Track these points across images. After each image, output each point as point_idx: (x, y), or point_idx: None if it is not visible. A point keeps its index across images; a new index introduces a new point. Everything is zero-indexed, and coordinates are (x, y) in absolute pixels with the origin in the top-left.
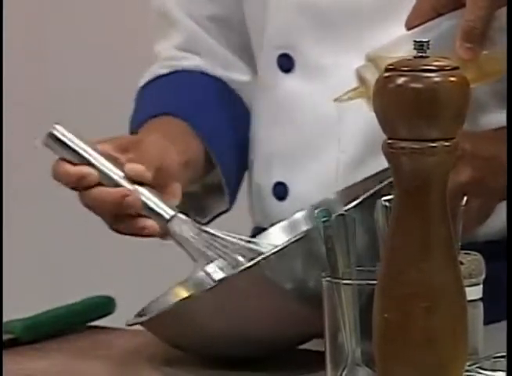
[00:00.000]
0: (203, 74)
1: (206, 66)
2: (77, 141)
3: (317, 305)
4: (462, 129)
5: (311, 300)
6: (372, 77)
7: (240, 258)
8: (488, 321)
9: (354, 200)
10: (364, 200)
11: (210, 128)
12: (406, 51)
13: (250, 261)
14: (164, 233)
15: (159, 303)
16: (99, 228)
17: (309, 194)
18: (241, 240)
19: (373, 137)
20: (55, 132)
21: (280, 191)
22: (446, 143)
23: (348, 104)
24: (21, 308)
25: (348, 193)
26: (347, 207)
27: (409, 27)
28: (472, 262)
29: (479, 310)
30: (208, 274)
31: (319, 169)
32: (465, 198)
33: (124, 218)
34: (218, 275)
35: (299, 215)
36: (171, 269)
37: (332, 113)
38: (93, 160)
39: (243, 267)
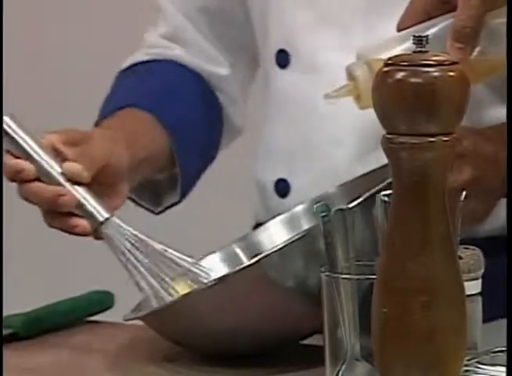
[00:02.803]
0: (182, 66)
1: (187, 57)
2: (21, 134)
3: (318, 302)
4: (461, 125)
5: (312, 297)
6: (362, 74)
7: (163, 275)
8: (488, 318)
9: (354, 195)
10: (367, 198)
11: (175, 123)
12: (397, 51)
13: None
14: (97, 235)
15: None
16: None
17: (311, 191)
18: (178, 257)
19: (373, 132)
20: (3, 124)
21: (282, 188)
22: (445, 138)
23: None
24: (21, 302)
25: (348, 188)
26: (350, 205)
27: (400, 29)
28: (471, 257)
29: (478, 305)
30: (204, 270)
31: (320, 166)
32: (463, 193)
33: (57, 215)
34: (216, 272)
35: (298, 209)
36: None
37: (329, 110)
38: (34, 155)
39: (244, 265)
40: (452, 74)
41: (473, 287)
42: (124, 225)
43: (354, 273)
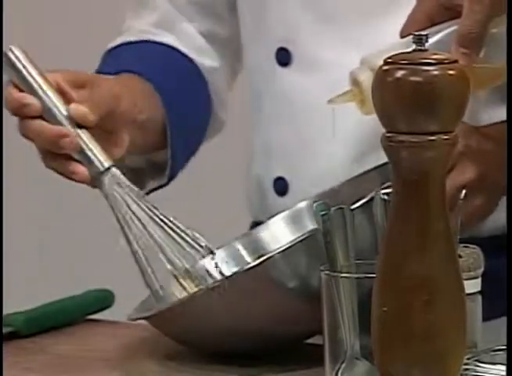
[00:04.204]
0: (175, 50)
1: (179, 45)
2: (30, 69)
3: (320, 302)
4: (463, 124)
5: (314, 298)
6: (365, 79)
7: (151, 228)
8: (488, 317)
9: (357, 192)
10: (370, 199)
11: (172, 96)
12: None
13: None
14: (94, 183)
15: (158, 297)
16: (98, 221)
17: (310, 190)
18: (178, 227)
19: (373, 131)
20: (10, 54)
21: (281, 186)
22: (445, 137)
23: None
24: (21, 301)
25: (350, 185)
26: (352, 207)
27: (403, 35)
28: (471, 256)
29: (477, 304)
30: (208, 271)
31: (320, 164)
32: (463, 192)
33: (57, 157)
34: (219, 272)
35: (301, 206)
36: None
37: (330, 108)
38: (40, 92)
39: (248, 266)
40: (451, 72)
41: (472, 285)
42: (123, 179)
43: (353, 272)
